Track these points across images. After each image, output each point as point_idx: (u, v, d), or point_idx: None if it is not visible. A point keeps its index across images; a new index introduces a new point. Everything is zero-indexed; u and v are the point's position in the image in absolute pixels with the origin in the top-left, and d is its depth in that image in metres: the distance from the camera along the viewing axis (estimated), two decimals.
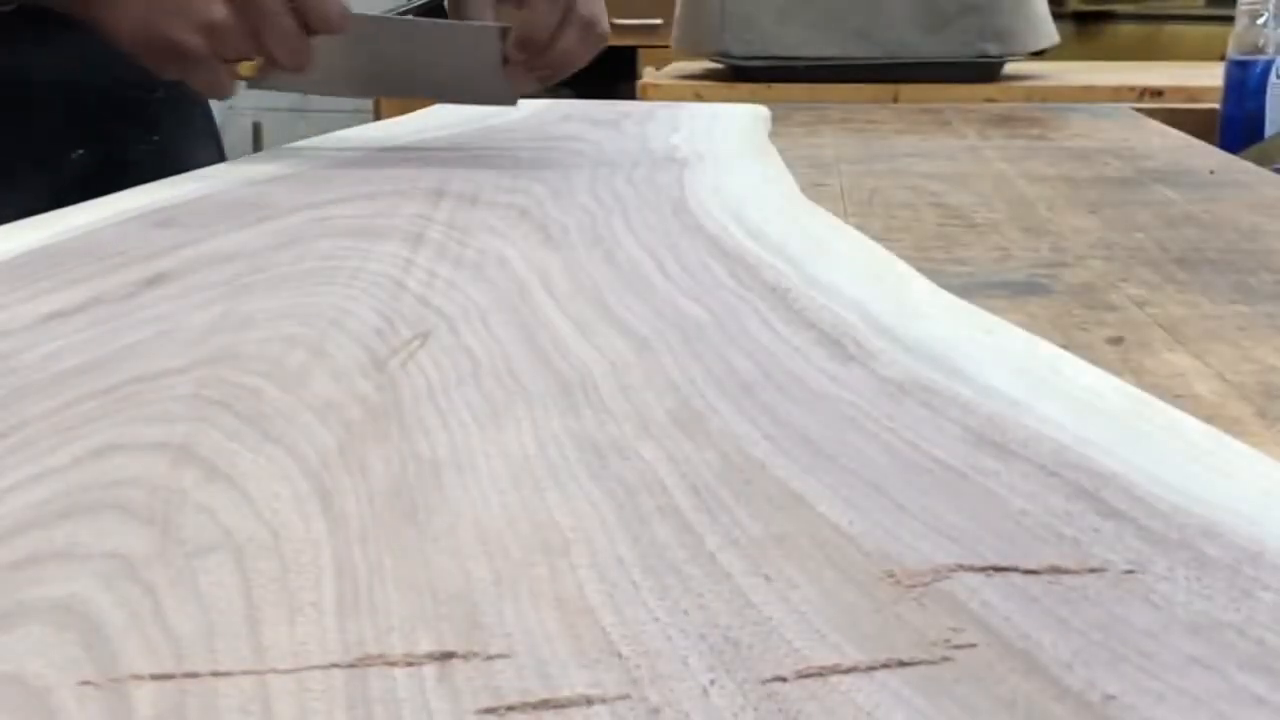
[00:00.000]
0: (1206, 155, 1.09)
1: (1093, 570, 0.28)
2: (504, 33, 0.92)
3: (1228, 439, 0.36)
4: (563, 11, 0.90)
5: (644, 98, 1.73)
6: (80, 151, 0.93)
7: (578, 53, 0.93)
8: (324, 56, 0.90)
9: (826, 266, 0.56)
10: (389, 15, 1.01)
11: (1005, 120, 1.34)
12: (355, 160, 0.92)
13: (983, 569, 0.28)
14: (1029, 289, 0.61)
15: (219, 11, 0.82)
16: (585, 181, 0.82)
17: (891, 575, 0.28)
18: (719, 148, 0.97)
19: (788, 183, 0.81)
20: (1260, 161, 1.15)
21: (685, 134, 1.05)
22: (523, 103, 1.08)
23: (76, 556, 0.29)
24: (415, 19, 1.02)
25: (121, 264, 0.58)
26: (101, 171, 0.89)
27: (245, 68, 0.88)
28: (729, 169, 0.86)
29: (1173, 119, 1.41)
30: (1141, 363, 0.42)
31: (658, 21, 3.10)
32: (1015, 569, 0.28)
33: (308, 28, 0.85)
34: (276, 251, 0.61)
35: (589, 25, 0.92)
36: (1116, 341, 0.51)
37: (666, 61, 2.16)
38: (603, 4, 0.94)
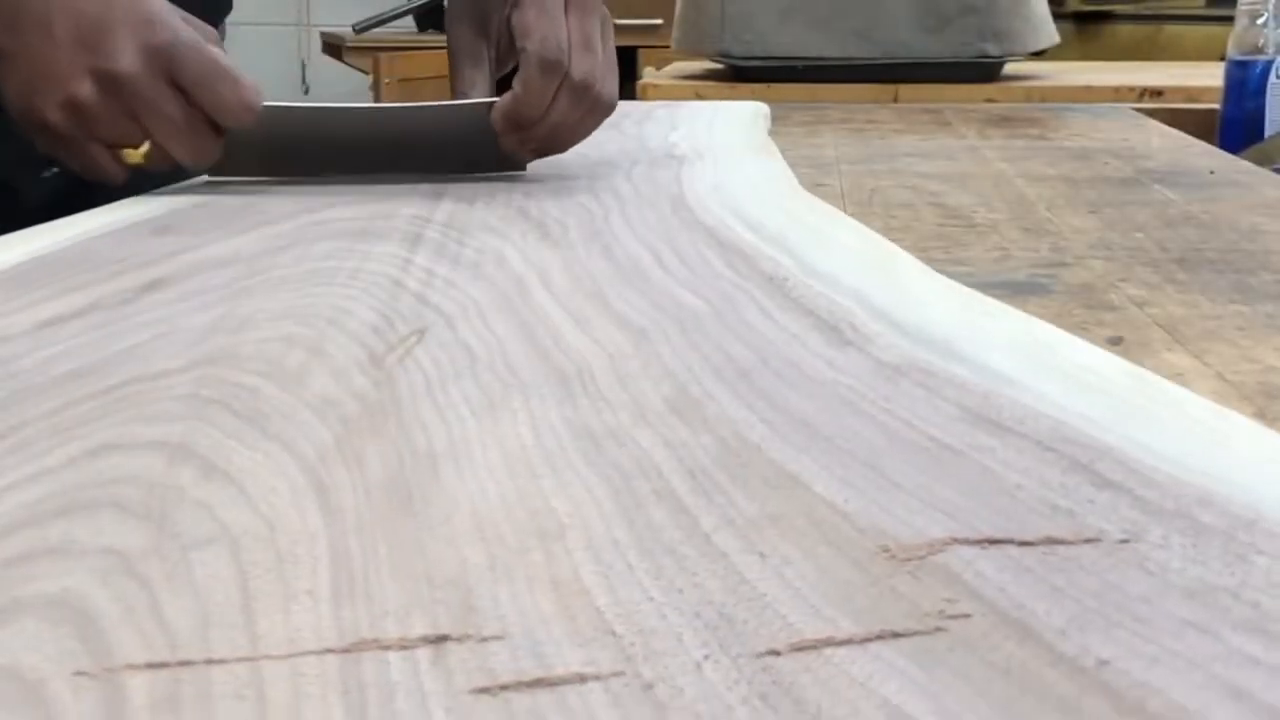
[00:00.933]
0: (1206, 155, 1.09)
1: (1088, 540, 0.28)
2: (490, 108, 0.82)
3: (1225, 411, 0.36)
4: (557, 82, 0.79)
5: (644, 98, 1.73)
6: (53, 170, 0.84)
7: (578, 125, 0.82)
8: (259, 144, 0.81)
9: (825, 256, 0.56)
10: (345, 106, 0.89)
11: (1005, 120, 1.34)
12: None
13: (978, 542, 0.28)
14: (1029, 289, 0.61)
15: (83, 90, 0.72)
16: (584, 180, 0.82)
17: (886, 550, 0.28)
18: (718, 145, 0.97)
19: (787, 177, 0.81)
20: (1260, 161, 1.14)
21: (684, 132, 1.05)
22: None
23: (72, 553, 0.29)
24: (379, 106, 0.92)
25: (119, 271, 0.58)
26: (74, 191, 0.81)
27: (132, 154, 0.75)
28: (728, 165, 0.86)
29: (1173, 119, 1.41)
30: (1141, 363, 0.42)
31: (658, 21, 3.10)
32: (1010, 541, 0.28)
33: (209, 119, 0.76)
34: (274, 255, 0.61)
35: (585, 91, 0.80)
36: (1116, 341, 0.51)
37: (666, 61, 2.16)
38: (613, 67, 0.83)
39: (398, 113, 0.89)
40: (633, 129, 1.07)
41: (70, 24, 0.72)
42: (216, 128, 0.76)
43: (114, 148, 0.75)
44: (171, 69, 0.73)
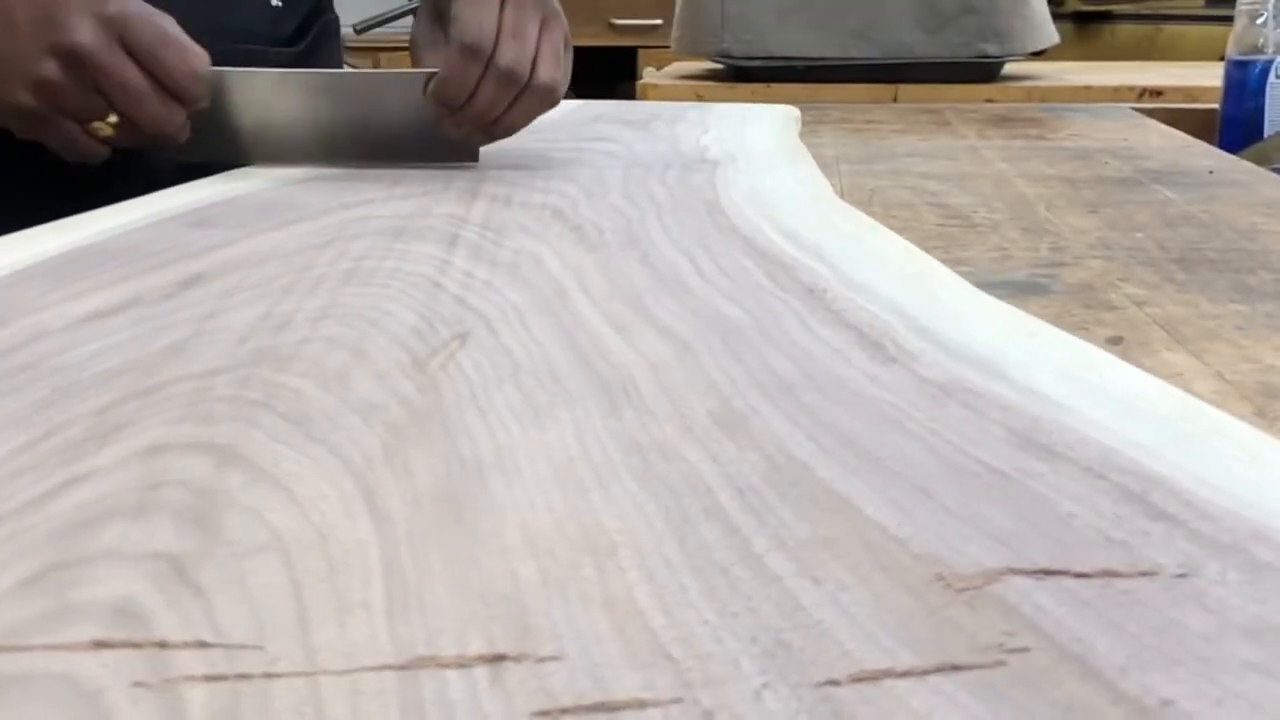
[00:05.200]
0: (1206, 155, 1.09)
1: (1144, 574, 0.28)
2: (428, 80, 0.86)
3: (1274, 441, 0.36)
4: (482, 64, 0.83)
5: (644, 98, 1.73)
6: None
7: (514, 112, 0.86)
8: (225, 119, 0.86)
9: (863, 267, 0.56)
10: (284, 71, 0.92)
11: (1005, 120, 1.34)
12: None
13: (1033, 572, 0.28)
14: (1029, 289, 0.61)
15: (48, 68, 0.75)
16: (618, 182, 0.82)
17: (941, 579, 0.28)
18: (751, 149, 0.97)
19: (821, 183, 0.81)
20: (1259, 161, 1.14)
21: (716, 135, 1.05)
22: None
23: (126, 557, 0.29)
24: (317, 70, 0.94)
25: (158, 265, 0.58)
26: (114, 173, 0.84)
27: (102, 127, 0.79)
28: (761, 170, 0.86)
29: (1173, 119, 1.41)
30: (1141, 362, 0.42)
31: (658, 22, 3.10)
32: (1066, 572, 0.28)
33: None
34: (313, 252, 0.61)
35: (510, 78, 0.83)
36: (1116, 341, 0.51)
37: (666, 61, 2.16)
38: (555, 60, 0.86)
39: (345, 78, 0.93)
40: (664, 130, 1.07)
41: (29, 7, 0.75)
42: (178, 98, 0.79)
43: (85, 123, 0.78)
44: (125, 37, 0.76)
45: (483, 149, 0.91)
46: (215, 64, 0.81)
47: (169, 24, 0.78)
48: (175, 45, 0.77)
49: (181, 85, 0.78)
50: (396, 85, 0.88)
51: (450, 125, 0.86)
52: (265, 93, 0.88)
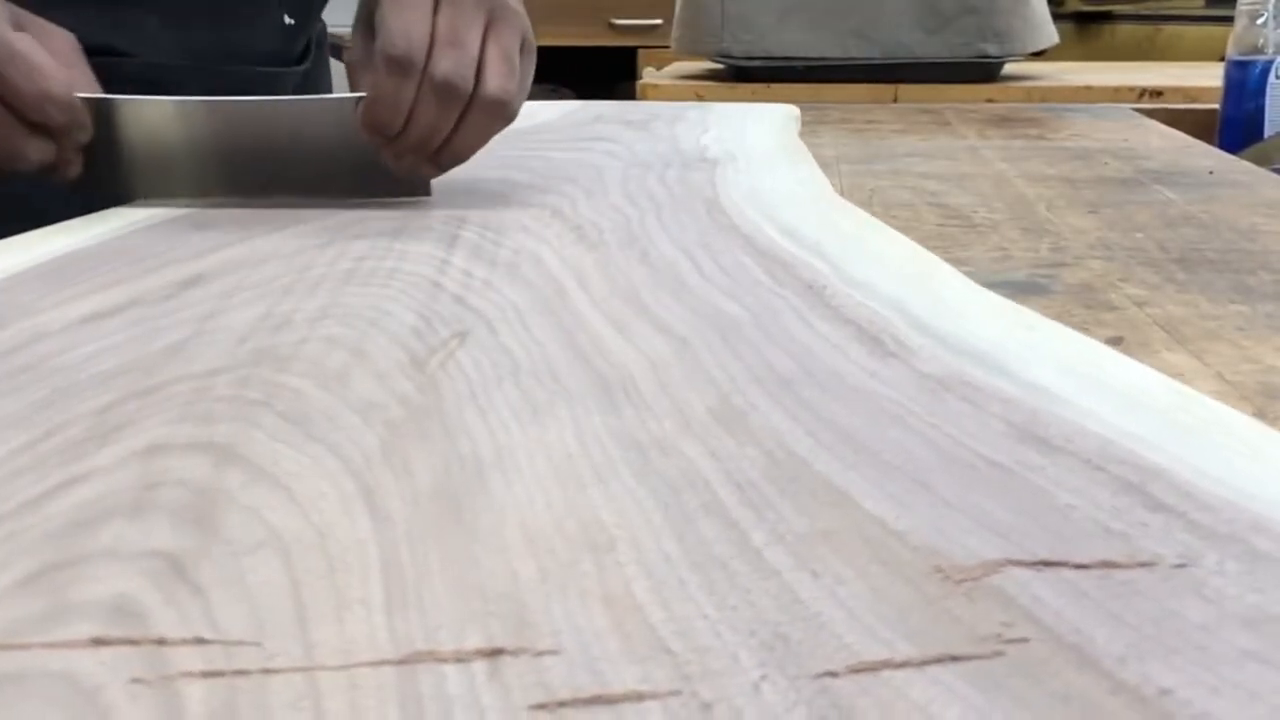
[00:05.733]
0: (1206, 155, 1.09)
1: (1143, 564, 0.28)
2: (359, 104, 0.71)
3: (1273, 432, 0.36)
4: (415, 78, 0.68)
5: (643, 98, 1.73)
6: None
7: (463, 132, 0.71)
8: (119, 152, 0.74)
9: (863, 264, 0.56)
10: (185, 99, 0.75)
11: (1005, 120, 1.34)
12: None
13: (1032, 564, 0.28)
14: (1029, 289, 0.61)
15: None
16: (618, 182, 0.82)
17: (940, 571, 0.28)
18: (751, 148, 0.97)
19: (821, 182, 0.81)
20: (1259, 161, 1.14)
21: (716, 134, 1.05)
22: (553, 104, 1.06)
23: (124, 556, 0.29)
24: (227, 99, 0.76)
25: (158, 266, 0.58)
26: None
27: None
28: (761, 169, 0.86)
29: (1173, 119, 1.41)
30: (1141, 363, 0.42)
31: (658, 22, 3.10)
32: (1065, 563, 0.28)
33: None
34: (312, 253, 0.61)
35: (449, 91, 0.69)
36: (1116, 341, 0.51)
37: (666, 61, 2.16)
38: (509, 69, 0.71)
39: (261, 106, 0.77)
40: (664, 130, 1.07)
41: None
42: (38, 124, 0.68)
43: None
44: None
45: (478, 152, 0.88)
46: (237, 90, 0.74)
47: (18, 39, 0.67)
48: (22, 63, 0.66)
49: (30, 107, 0.67)
50: (322, 112, 0.75)
51: (389, 155, 0.72)
52: (164, 122, 0.75)
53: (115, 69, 0.77)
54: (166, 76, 0.83)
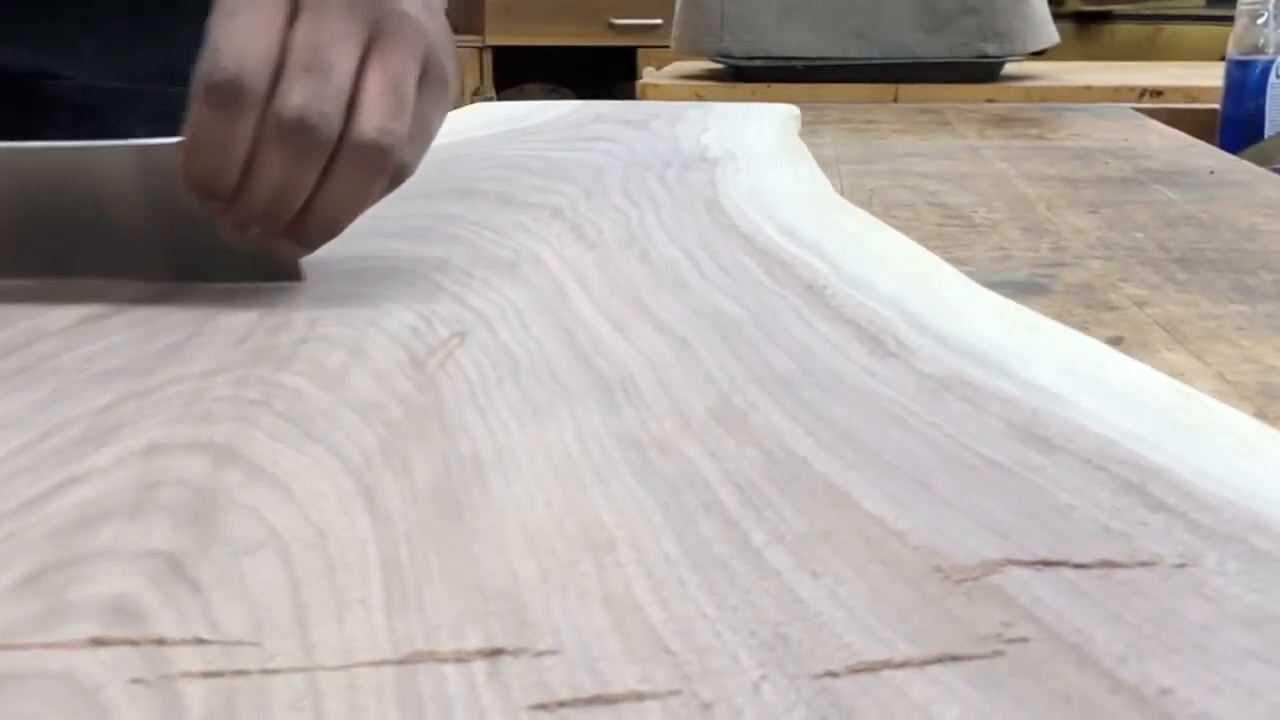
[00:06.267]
0: (1206, 155, 1.09)
1: (1143, 564, 0.28)
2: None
3: (1273, 432, 0.36)
4: (250, 114, 0.48)
5: (643, 98, 1.73)
6: None
7: (318, 193, 0.50)
8: None
9: (863, 264, 0.56)
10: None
11: (1005, 120, 1.34)
12: None
13: (1032, 563, 0.28)
14: (1029, 289, 0.61)
15: None
16: (617, 181, 0.82)
17: (940, 570, 0.28)
18: (751, 147, 0.97)
19: (821, 182, 0.81)
20: (1260, 161, 1.14)
21: (716, 134, 1.05)
22: (553, 104, 1.06)
23: (123, 556, 0.29)
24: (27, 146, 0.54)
25: None
26: None
27: None
28: (761, 169, 0.86)
29: (1173, 119, 1.41)
30: (1141, 363, 0.43)
31: (658, 21, 3.10)
32: (1065, 563, 0.28)
33: None
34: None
35: (304, 134, 0.48)
36: (1116, 341, 0.51)
37: (666, 61, 2.16)
38: (389, 94, 0.49)
39: (43, 154, 0.54)
40: (664, 130, 1.07)
41: None
42: None
43: None
44: None
45: (477, 152, 0.88)
46: (181, 115, 0.49)
47: None
48: None
49: None
50: (134, 160, 0.53)
51: (226, 225, 0.50)
52: None
53: (51, 92, 0.75)
54: (105, 100, 0.79)
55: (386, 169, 0.50)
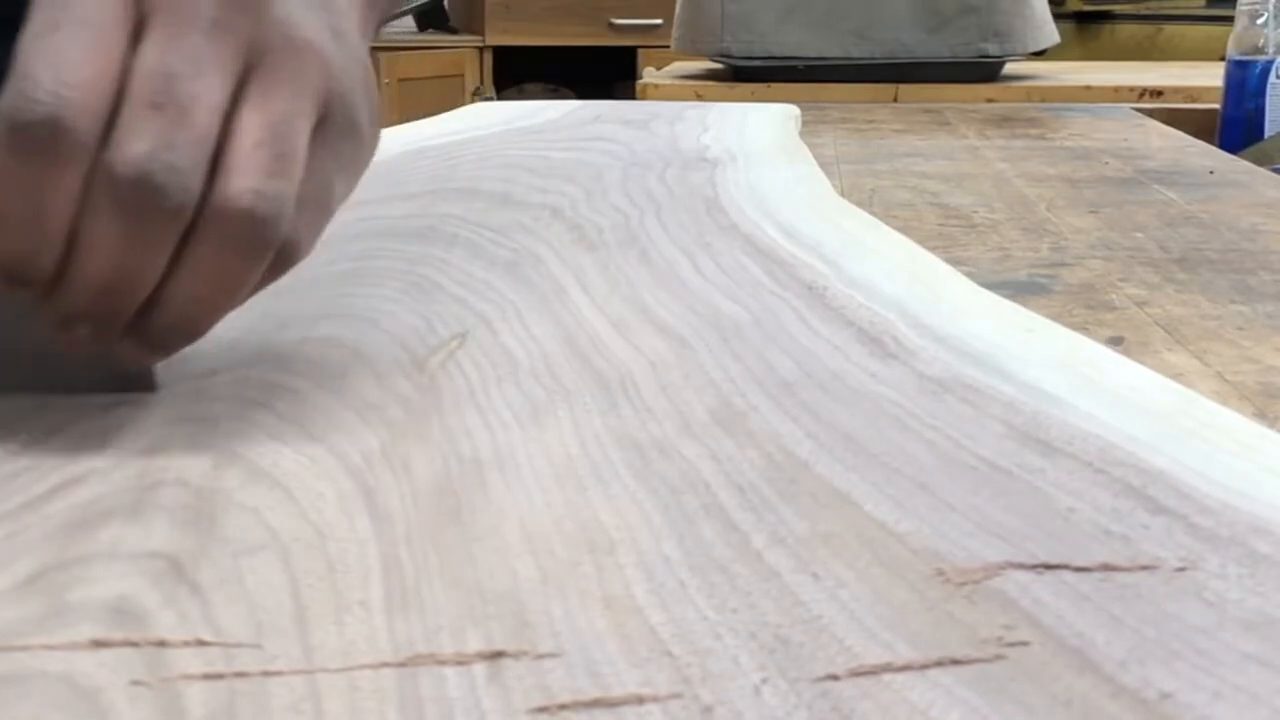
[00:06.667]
0: (1206, 155, 1.09)
1: (1144, 567, 0.28)
2: None
3: (1273, 434, 0.36)
4: (78, 172, 0.35)
5: (643, 98, 1.73)
6: None
7: (171, 280, 0.36)
8: None
9: (863, 265, 0.56)
10: None
11: (1005, 120, 1.34)
12: (383, 162, 0.92)
13: (1033, 567, 0.28)
14: (1029, 289, 0.61)
15: None
16: (617, 181, 0.82)
17: (941, 573, 0.28)
18: (750, 147, 0.97)
19: (821, 182, 0.80)
20: (1260, 161, 1.14)
21: (715, 134, 1.05)
22: (553, 104, 1.05)
23: (123, 557, 0.29)
24: None
25: None
26: None
27: None
28: (761, 169, 0.86)
29: (1173, 119, 1.41)
30: (1141, 363, 0.42)
31: (658, 21, 3.10)
32: (1066, 566, 0.28)
33: None
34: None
35: (148, 197, 0.35)
36: (1117, 342, 0.51)
37: (666, 61, 2.16)
38: (270, 143, 0.36)
39: None
40: (664, 130, 1.07)
41: None
42: None
43: None
44: None
45: (477, 152, 0.87)
46: None
47: None
48: None
49: None
50: None
51: (48, 320, 0.37)
52: None
53: None
54: None
55: (263, 247, 0.36)
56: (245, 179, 0.36)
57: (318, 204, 0.39)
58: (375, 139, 0.42)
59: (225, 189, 0.35)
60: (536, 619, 0.26)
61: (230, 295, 0.37)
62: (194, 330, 0.38)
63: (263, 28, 0.37)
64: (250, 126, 0.36)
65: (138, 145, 0.34)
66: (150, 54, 0.35)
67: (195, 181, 0.35)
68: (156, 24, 0.36)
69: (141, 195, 0.34)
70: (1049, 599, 0.27)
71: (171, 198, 0.35)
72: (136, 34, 0.36)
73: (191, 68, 0.35)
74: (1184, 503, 0.31)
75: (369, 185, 0.78)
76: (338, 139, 0.39)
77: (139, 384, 0.41)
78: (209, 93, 0.36)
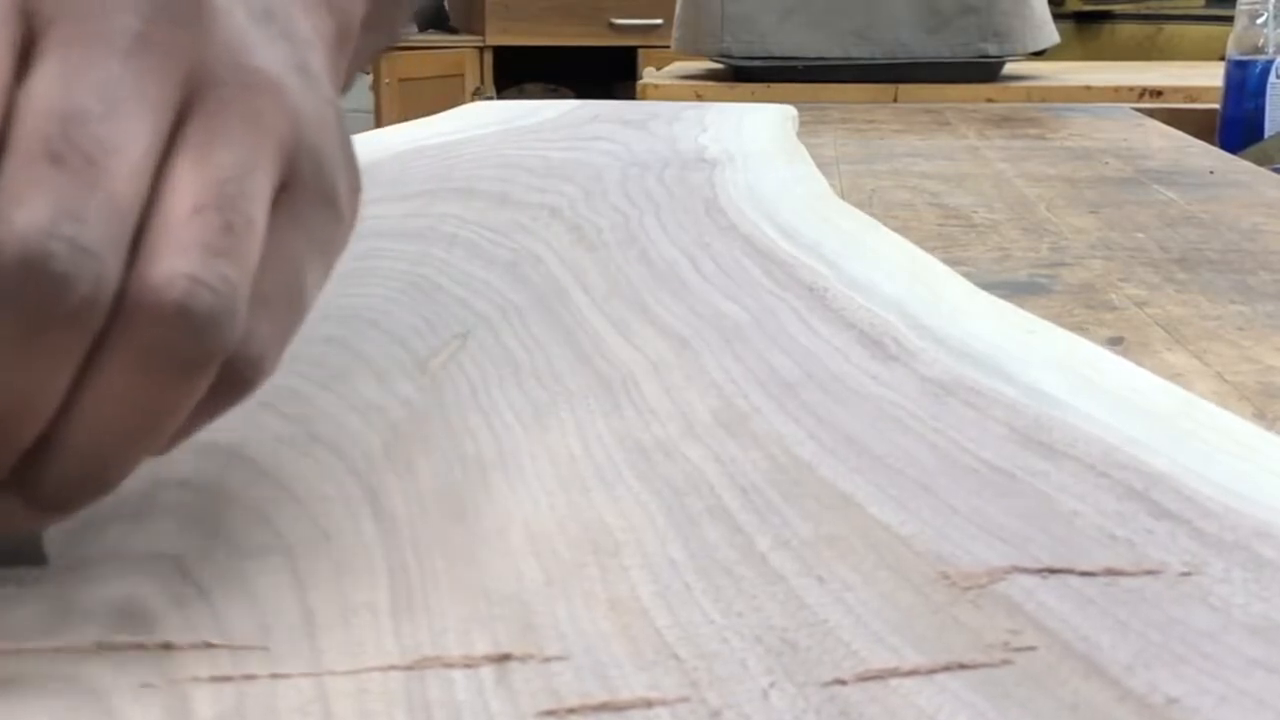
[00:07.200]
0: (1206, 155, 1.09)
1: (1149, 572, 0.28)
2: None
3: (1272, 436, 0.36)
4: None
5: (643, 98, 1.73)
6: None
7: (73, 415, 0.25)
8: None
9: (863, 266, 0.56)
10: None
11: (1005, 120, 1.34)
12: (382, 162, 0.93)
13: (1038, 571, 0.28)
14: (1029, 289, 0.61)
15: None
16: (616, 181, 0.82)
17: (946, 577, 0.28)
18: (749, 148, 0.97)
19: (819, 182, 0.81)
20: (1260, 161, 1.14)
21: (713, 134, 1.05)
22: (551, 104, 1.05)
23: (129, 558, 0.29)
24: None
25: None
26: None
27: None
28: (759, 169, 0.86)
29: (1173, 119, 1.41)
30: (1141, 363, 0.43)
31: (658, 21, 3.10)
32: (1071, 570, 0.28)
33: None
34: None
35: (35, 286, 0.23)
36: (1117, 342, 0.51)
37: (667, 61, 2.16)
38: (224, 218, 0.25)
39: None
40: (662, 129, 1.07)
41: None
42: None
43: None
44: None
45: (476, 152, 0.87)
46: None
47: None
48: None
49: None
50: None
51: None
52: None
53: None
54: None
55: (201, 359, 0.25)
56: (178, 260, 0.25)
57: (282, 298, 0.28)
58: (355, 211, 0.31)
59: (150, 275, 0.25)
60: (542, 621, 0.26)
61: (153, 430, 0.26)
62: (102, 481, 0.27)
63: (205, 50, 0.27)
64: (187, 187, 0.26)
65: (28, 215, 0.23)
66: (46, 85, 0.25)
67: (110, 266, 0.24)
68: (55, 41, 0.25)
69: (33, 286, 0.24)
70: (1054, 603, 0.27)
71: (75, 289, 0.24)
72: (25, 52, 0.25)
73: (104, 104, 0.25)
74: (1187, 506, 0.31)
75: (367, 185, 0.78)
76: (308, 208, 0.29)
77: (23, 556, 0.29)
78: (130, 140, 0.25)
